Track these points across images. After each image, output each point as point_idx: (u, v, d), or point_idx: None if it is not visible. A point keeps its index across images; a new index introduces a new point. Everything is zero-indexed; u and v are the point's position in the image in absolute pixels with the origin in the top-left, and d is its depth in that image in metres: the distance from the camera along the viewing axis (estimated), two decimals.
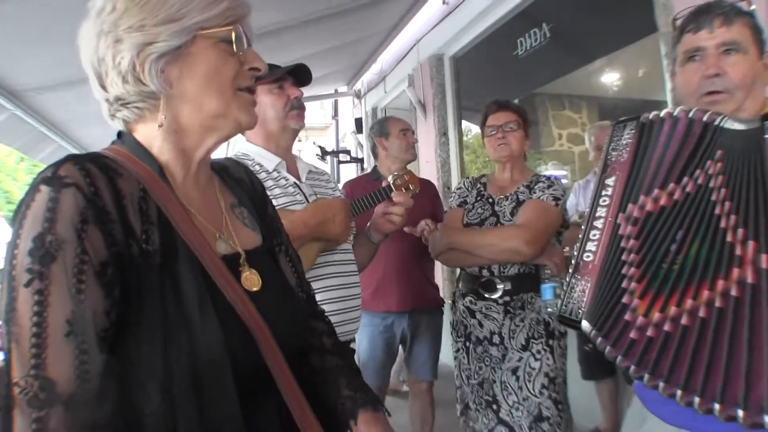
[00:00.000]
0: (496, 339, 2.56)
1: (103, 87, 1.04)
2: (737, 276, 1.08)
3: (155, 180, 1.02)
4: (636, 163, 1.34)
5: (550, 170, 9.71)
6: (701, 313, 1.11)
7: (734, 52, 1.50)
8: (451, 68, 5.88)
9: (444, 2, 5.39)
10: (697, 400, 1.09)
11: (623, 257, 1.29)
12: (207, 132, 1.09)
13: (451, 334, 2.79)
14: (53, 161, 0.90)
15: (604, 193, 1.39)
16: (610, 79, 8.68)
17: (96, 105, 1.09)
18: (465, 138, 5.78)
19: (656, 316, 1.18)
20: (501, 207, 2.65)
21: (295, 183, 2.17)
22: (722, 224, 1.13)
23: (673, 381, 1.13)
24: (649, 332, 1.18)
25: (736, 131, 1.10)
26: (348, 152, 9.32)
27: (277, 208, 1.44)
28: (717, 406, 1.06)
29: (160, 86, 1.01)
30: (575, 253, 1.40)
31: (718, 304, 1.10)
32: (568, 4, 4.15)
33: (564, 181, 9.63)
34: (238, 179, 1.32)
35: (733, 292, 1.08)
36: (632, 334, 1.21)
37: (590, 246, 1.38)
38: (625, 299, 1.25)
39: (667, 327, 1.15)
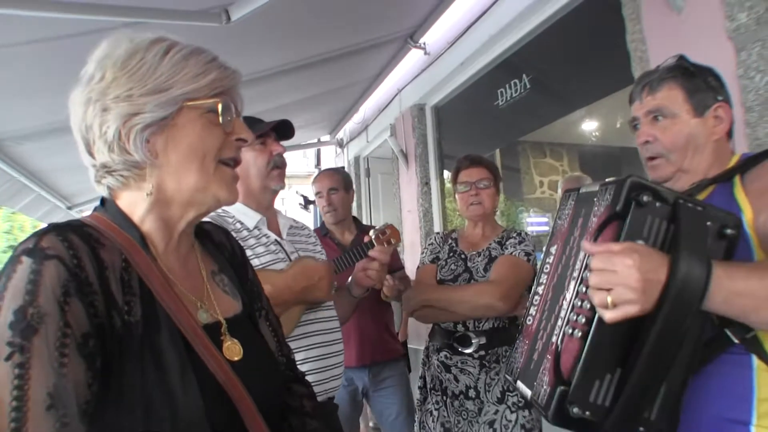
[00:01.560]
0: (471, 393, 2.57)
1: (90, 153, 1.05)
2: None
3: (137, 250, 1.02)
4: (570, 234, 1.43)
5: (531, 217, 9.80)
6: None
7: (662, 118, 1.59)
8: (433, 118, 5.91)
9: (425, 53, 5.45)
10: None
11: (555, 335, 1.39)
12: (188, 206, 1.09)
13: (422, 388, 2.80)
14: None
15: (547, 260, 1.51)
16: (590, 127, 8.84)
17: (76, 154, 1.08)
18: (447, 186, 5.79)
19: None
20: (474, 263, 2.69)
21: (276, 240, 2.15)
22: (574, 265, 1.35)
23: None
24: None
25: (589, 193, 1.35)
26: None
27: (260, 266, 1.44)
28: None
29: (144, 156, 1.02)
30: (524, 315, 1.54)
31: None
32: (548, 56, 4.21)
33: (545, 228, 9.70)
34: (218, 244, 1.32)
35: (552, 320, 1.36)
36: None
37: (532, 310, 1.50)
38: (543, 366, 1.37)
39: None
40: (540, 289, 1.49)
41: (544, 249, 1.57)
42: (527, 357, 1.44)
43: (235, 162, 1.15)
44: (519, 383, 1.45)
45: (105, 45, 1.06)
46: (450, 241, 2.87)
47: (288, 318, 1.90)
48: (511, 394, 2.53)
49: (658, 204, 1.16)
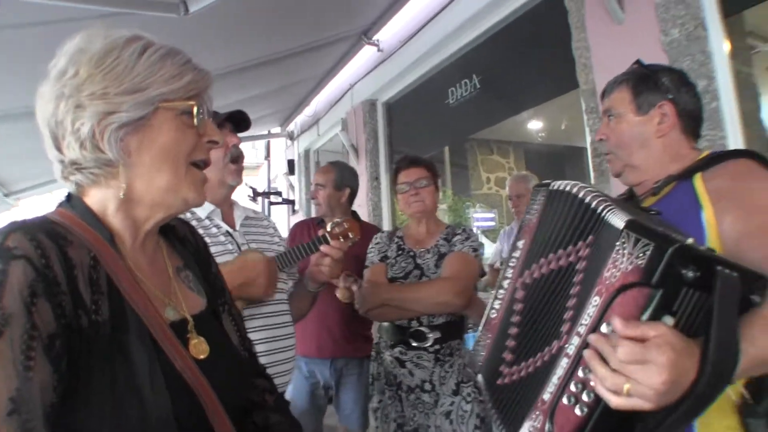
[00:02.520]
0: (427, 386, 2.61)
1: (59, 149, 1.02)
2: (553, 346, 1.23)
3: (105, 248, 1.00)
4: (539, 230, 1.42)
5: (478, 213, 9.93)
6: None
7: (613, 117, 1.70)
8: (384, 114, 5.99)
9: (378, 50, 5.52)
10: None
11: (512, 318, 1.39)
12: (157, 207, 1.08)
13: (373, 384, 2.83)
14: None
15: (514, 255, 1.48)
16: (536, 127, 9.02)
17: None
18: None
19: (515, 368, 1.34)
20: (424, 260, 2.74)
21: (227, 231, 2.13)
22: (567, 304, 1.22)
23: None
24: (509, 379, 1.35)
25: (609, 225, 1.14)
26: (279, 193, 9.27)
27: None
28: None
29: (118, 155, 1.00)
30: (488, 308, 1.51)
31: (546, 358, 1.24)
32: (498, 59, 4.32)
33: (491, 223, 9.86)
34: (183, 239, 1.31)
35: (546, 358, 1.24)
36: (499, 381, 1.37)
37: (496, 304, 1.48)
38: (504, 355, 1.37)
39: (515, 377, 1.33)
40: (506, 284, 1.47)
41: (506, 230, 1.59)
42: (492, 353, 1.45)
43: (205, 164, 1.14)
44: (480, 377, 1.47)
45: (78, 40, 1.03)
46: (396, 239, 2.90)
47: None
48: (465, 385, 2.58)
49: (697, 274, 1.00)
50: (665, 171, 1.59)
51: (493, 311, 1.48)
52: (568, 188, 1.34)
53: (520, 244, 1.47)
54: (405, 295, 2.61)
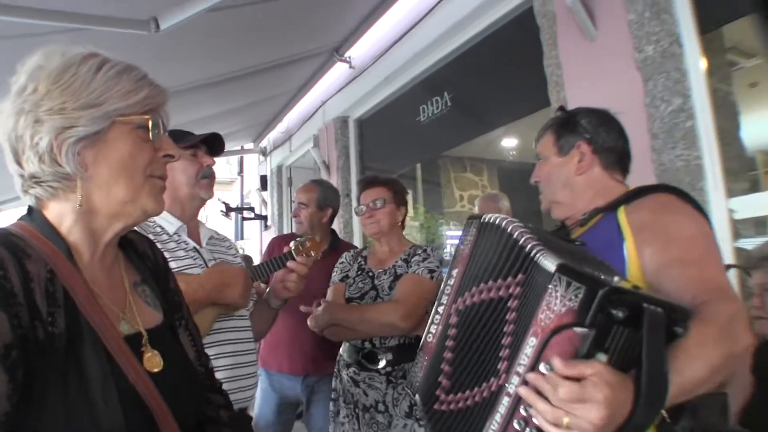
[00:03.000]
0: (381, 407, 2.60)
1: (19, 163, 1.05)
2: (490, 383, 1.26)
3: (63, 261, 1.02)
4: (471, 260, 1.47)
5: (452, 230, 9.94)
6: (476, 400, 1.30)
7: (542, 161, 1.85)
8: (356, 130, 5.98)
9: (350, 66, 5.51)
10: None
11: (446, 343, 1.44)
12: (115, 217, 1.10)
13: (335, 400, 2.82)
14: None
15: (449, 282, 1.54)
16: (509, 144, 9.05)
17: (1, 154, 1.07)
18: None
19: (451, 397, 1.37)
20: (380, 281, 2.74)
21: (195, 248, 2.14)
22: (503, 341, 1.25)
23: None
24: (447, 407, 1.38)
25: (540, 267, 1.18)
26: (252, 209, 9.27)
27: (176, 269, 1.44)
28: None
29: (75, 169, 1.02)
30: (425, 332, 1.57)
31: (484, 394, 1.28)
32: (469, 76, 4.32)
33: None
34: (142, 254, 1.33)
35: (484, 394, 1.27)
36: (436, 406, 1.41)
37: (432, 329, 1.54)
38: (440, 378, 1.42)
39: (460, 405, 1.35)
40: (441, 309, 1.53)
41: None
42: (428, 375, 1.50)
43: (161, 178, 1.17)
44: (418, 397, 1.52)
45: (37, 57, 1.06)
46: (360, 259, 2.91)
47: (201, 320, 1.85)
48: (418, 408, 2.55)
49: (626, 313, 1.07)
50: (590, 205, 1.72)
51: (430, 335, 1.54)
52: (497, 221, 1.40)
53: (454, 272, 1.53)
54: (352, 316, 2.62)
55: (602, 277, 1.08)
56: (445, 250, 9.66)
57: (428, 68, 4.69)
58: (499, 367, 1.24)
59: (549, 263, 1.14)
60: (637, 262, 1.47)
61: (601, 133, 1.75)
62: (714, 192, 2.32)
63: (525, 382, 1.13)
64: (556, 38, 3.06)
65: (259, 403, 3.47)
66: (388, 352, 2.62)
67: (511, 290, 1.28)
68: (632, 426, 1.05)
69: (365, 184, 2.90)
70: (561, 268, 1.11)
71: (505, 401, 1.19)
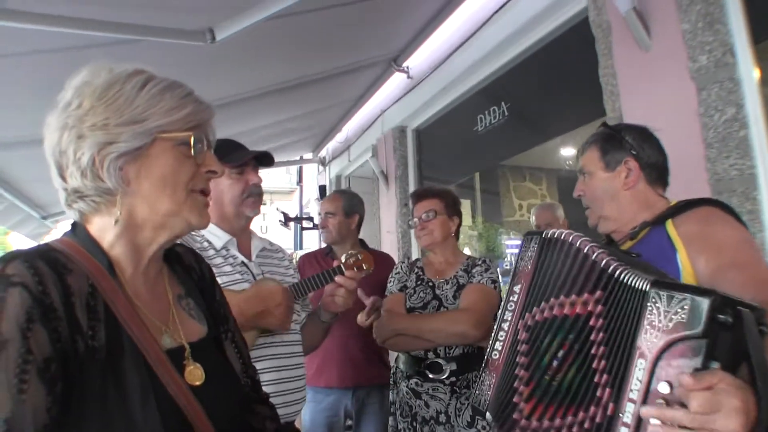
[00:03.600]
0: (442, 418, 2.60)
1: (63, 177, 1.07)
2: (592, 413, 1.20)
3: (104, 276, 1.03)
4: (536, 275, 1.48)
5: (511, 239, 9.87)
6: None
7: (586, 175, 1.90)
8: (414, 140, 5.99)
9: (408, 76, 5.54)
10: None
11: (518, 359, 1.43)
12: (159, 229, 1.12)
13: (394, 413, 2.81)
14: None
15: (511, 298, 1.54)
16: (567, 154, 8.95)
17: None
18: None
19: (536, 423, 1.32)
20: (443, 291, 2.76)
21: (243, 262, 2.15)
22: (594, 365, 1.22)
23: None
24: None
25: (629, 286, 1.18)
26: (311, 219, 9.22)
27: (223, 285, 1.47)
28: None
29: (117, 184, 1.04)
30: (488, 349, 1.55)
31: (586, 425, 1.21)
32: (526, 86, 4.31)
33: None
34: (187, 267, 1.34)
35: (586, 425, 1.21)
36: (515, 399, 1.39)
37: (497, 345, 1.53)
38: (515, 399, 1.39)
39: None
40: (505, 326, 1.52)
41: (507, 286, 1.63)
42: (499, 394, 1.47)
43: (204, 193, 1.18)
44: (489, 415, 1.49)
45: (84, 73, 1.09)
46: (416, 269, 2.93)
47: None
48: (481, 419, 2.55)
49: (731, 318, 1.04)
50: (636, 219, 1.79)
51: (495, 352, 1.53)
52: (562, 236, 1.44)
53: (517, 288, 1.53)
54: (421, 326, 2.62)
55: (698, 286, 1.12)
56: (505, 260, 9.60)
57: (485, 78, 4.68)
58: (599, 394, 1.19)
59: (639, 281, 1.16)
60: (691, 270, 1.55)
61: (645, 150, 1.82)
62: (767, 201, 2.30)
63: (643, 408, 1.08)
64: (612, 48, 3.05)
65: (307, 423, 3.46)
66: (452, 361, 2.63)
67: (590, 308, 1.28)
68: (762, 426, 1.01)
69: (417, 197, 2.94)
70: (657, 284, 1.12)
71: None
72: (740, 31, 2.39)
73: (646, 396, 1.09)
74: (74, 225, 1.13)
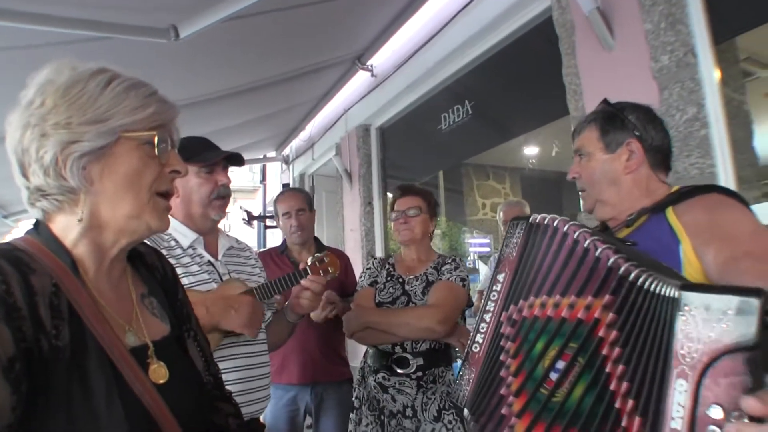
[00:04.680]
0: (409, 412, 2.63)
1: (25, 176, 1.06)
2: None
3: (67, 275, 1.03)
4: (521, 264, 1.37)
5: (474, 238, 9.94)
6: None
7: (583, 157, 1.78)
8: (378, 139, 6.00)
9: (372, 75, 5.55)
10: None
11: (501, 357, 1.32)
12: (121, 232, 1.11)
13: (358, 409, 2.83)
14: None
15: (494, 288, 1.43)
16: (530, 152, 9.04)
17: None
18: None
19: None
20: (412, 287, 2.79)
21: (209, 261, 2.14)
22: (613, 386, 1.04)
23: None
24: None
25: (651, 293, 1.00)
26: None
27: (188, 285, 1.46)
28: None
29: (80, 183, 1.04)
30: (469, 341, 1.44)
31: None
32: (489, 85, 4.33)
33: (487, 249, 9.85)
34: (150, 266, 1.34)
35: None
36: (503, 411, 1.24)
37: (478, 338, 1.42)
38: (504, 411, 1.26)
39: None
40: (487, 317, 1.42)
41: (495, 256, 1.55)
42: (477, 388, 1.37)
43: (168, 194, 1.18)
44: (466, 412, 1.40)
45: (47, 71, 1.08)
46: (387, 266, 2.96)
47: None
48: (447, 412, 2.59)
49: None
50: (636, 205, 1.66)
51: (476, 345, 1.43)
52: (554, 224, 1.29)
53: (500, 277, 1.42)
54: (389, 320, 2.66)
55: (738, 286, 0.89)
56: (468, 258, 9.66)
57: (449, 77, 4.71)
58: (625, 424, 1.00)
59: (665, 286, 0.98)
60: (698, 264, 1.42)
61: (650, 131, 1.71)
62: None
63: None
64: (575, 47, 3.07)
65: (269, 419, 3.47)
66: (419, 356, 2.67)
67: (596, 314, 1.11)
68: None
69: (403, 191, 2.97)
70: (688, 287, 0.94)
71: None
72: (702, 31, 2.43)
73: (693, 424, 0.89)
74: (37, 223, 1.12)
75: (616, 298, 1.08)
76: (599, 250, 1.15)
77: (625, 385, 1.02)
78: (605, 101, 1.82)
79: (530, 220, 1.38)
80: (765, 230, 1.43)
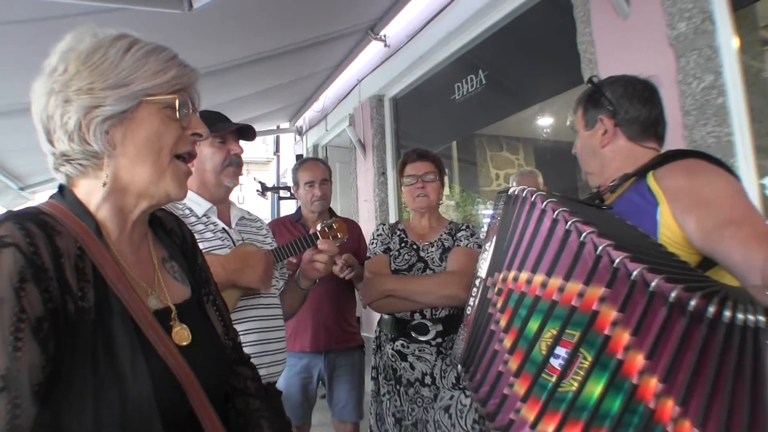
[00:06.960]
0: (428, 380, 2.63)
1: (50, 142, 1.08)
2: None
3: (92, 238, 1.04)
4: (501, 234, 1.42)
5: (488, 209, 9.91)
6: None
7: (577, 134, 1.93)
8: (391, 109, 5.99)
9: (385, 45, 5.52)
10: None
11: (491, 326, 1.34)
12: (141, 196, 1.13)
13: (376, 377, 2.83)
14: None
15: (482, 256, 1.48)
16: (544, 123, 8.96)
17: (30, 135, 1.11)
18: None
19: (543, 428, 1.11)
20: (428, 253, 2.76)
21: (223, 229, 2.19)
22: (652, 404, 0.95)
23: None
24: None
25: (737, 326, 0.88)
26: (288, 188, 9.15)
27: (204, 250, 1.48)
28: None
29: (103, 147, 1.05)
30: (465, 305, 1.52)
31: None
32: (503, 54, 4.30)
33: None
34: (170, 231, 1.36)
35: None
36: (505, 391, 1.22)
37: (471, 301, 1.49)
38: (496, 362, 1.29)
39: None
40: (477, 282, 1.48)
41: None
42: (469, 345, 1.46)
43: (190, 156, 1.19)
44: (460, 367, 1.48)
45: (69, 38, 1.08)
46: (398, 232, 2.92)
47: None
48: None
49: None
50: (618, 173, 1.76)
51: (469, 308, 1.51)
52: (531, 197, 1.32)
53: (487, 245, 1.48)
54: (412, 287, 2.63)
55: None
56: (482, 229, 9.65)
57: (463, 46, 4.69)
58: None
59: (745, 312, 0.86)
60: (675, 227, 1.48)
61: (623, 105, 1.78)
62: (745, 169, 2.32)
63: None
64: (590, 15, 3.05)
65: (282, 386, 3.44)
66: (438, 323, 2.65)
67: (596, 307, 1.05)
68: None
69: (417, 155, 2.90)
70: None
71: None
72: None
73: None
74: (61, 188, 1.13)
75: (616, 294, 1.03)
76: (583, 235, 1.11)
77: (660, 387, 0.94)
78: (590, 80, 1.91)
79: (509, 192, 1.44)
80: (743, 194, 1.48)
